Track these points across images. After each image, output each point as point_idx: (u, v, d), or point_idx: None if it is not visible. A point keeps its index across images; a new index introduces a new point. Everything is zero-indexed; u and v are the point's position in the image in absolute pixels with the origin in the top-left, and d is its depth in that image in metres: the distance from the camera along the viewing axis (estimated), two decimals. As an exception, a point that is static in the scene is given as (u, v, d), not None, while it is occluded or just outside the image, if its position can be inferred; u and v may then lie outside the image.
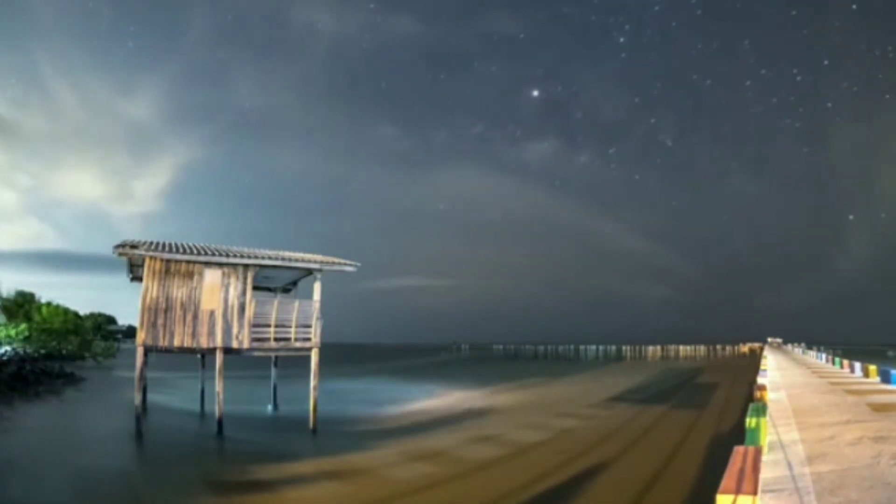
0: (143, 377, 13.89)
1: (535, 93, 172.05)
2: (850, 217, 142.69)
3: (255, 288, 15.67)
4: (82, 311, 39.33)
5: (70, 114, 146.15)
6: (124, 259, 15.16)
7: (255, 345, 14.87)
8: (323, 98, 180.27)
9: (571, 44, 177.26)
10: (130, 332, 44.22)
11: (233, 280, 14.79)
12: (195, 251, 14.75)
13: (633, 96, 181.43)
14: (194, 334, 14.21)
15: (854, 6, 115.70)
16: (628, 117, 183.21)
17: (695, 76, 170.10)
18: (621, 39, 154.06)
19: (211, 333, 14.37)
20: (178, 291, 14.20)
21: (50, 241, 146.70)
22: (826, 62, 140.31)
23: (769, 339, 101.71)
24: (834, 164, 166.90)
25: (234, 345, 14.59)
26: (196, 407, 19.05)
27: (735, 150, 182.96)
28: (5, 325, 26.49)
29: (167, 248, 14.58)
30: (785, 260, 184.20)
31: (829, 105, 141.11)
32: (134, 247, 14.07)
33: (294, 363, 18.86)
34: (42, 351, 24.46)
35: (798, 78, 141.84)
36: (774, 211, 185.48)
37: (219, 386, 14.24)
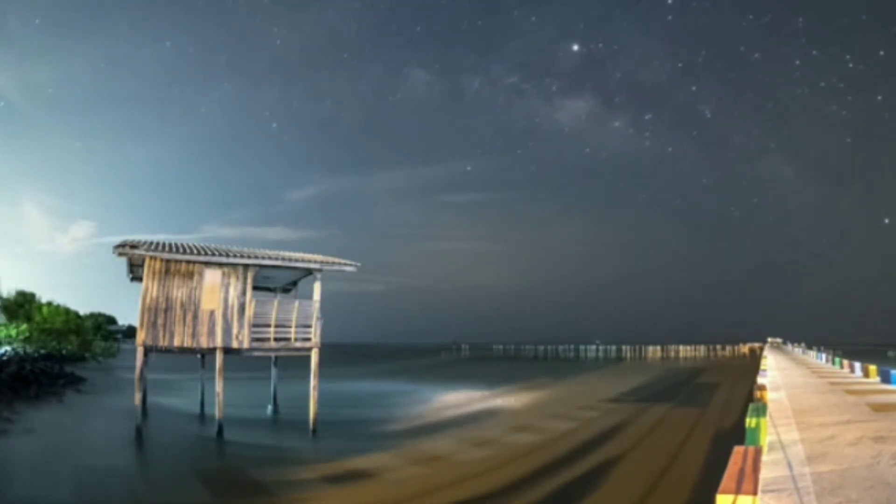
0: (143, 377, 13.90)
1: (575, 47, 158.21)
2: (886, 221, 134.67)
3: (255, 288, 15.67)
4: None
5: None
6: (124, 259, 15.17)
7: (255, 345, 14.87)
8: (353, 40, 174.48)
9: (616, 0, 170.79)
10: (130, 332, 44.19)
11: (233, 280, 14.79)
12: (195, 251, 14.75)
13: (675, 61, 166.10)
14: (194, 334, 14.21)
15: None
16: (669, 82, 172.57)
17: (742, 48, 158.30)
18: (669, 1, 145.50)
19: (211, 333, 14.37)
20: (178, 291, 14.20)
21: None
22: (882, 52, 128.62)
23: (769, 339, 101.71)
24: (876, 160, 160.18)
25: (234, 345, 14.59)
26: (196, 408, 19.05)
27: (775, 130, 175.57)
28: (6, 325, 26.48)
29: (167, 248, 14.58)
30: (799, 255, 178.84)
31: (880, 98, 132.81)
32: (134, 247, 14.08)
33: (294, 363, 18.86)
34: (42, 351, 24.44)
35: (850, 65, 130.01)
36: (806, 200, 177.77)
37: (219, 386, 14.24)
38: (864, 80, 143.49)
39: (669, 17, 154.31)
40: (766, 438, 6.60)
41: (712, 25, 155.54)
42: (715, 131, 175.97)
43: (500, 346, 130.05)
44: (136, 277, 18.09)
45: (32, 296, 31.52)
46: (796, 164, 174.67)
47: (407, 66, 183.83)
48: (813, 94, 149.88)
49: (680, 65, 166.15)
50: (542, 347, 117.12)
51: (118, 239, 14.45)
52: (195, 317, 14.29)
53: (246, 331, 14.70)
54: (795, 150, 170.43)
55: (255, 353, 15.28)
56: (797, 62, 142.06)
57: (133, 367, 13.90)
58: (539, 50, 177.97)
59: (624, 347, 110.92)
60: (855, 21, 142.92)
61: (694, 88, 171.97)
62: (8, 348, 22.54)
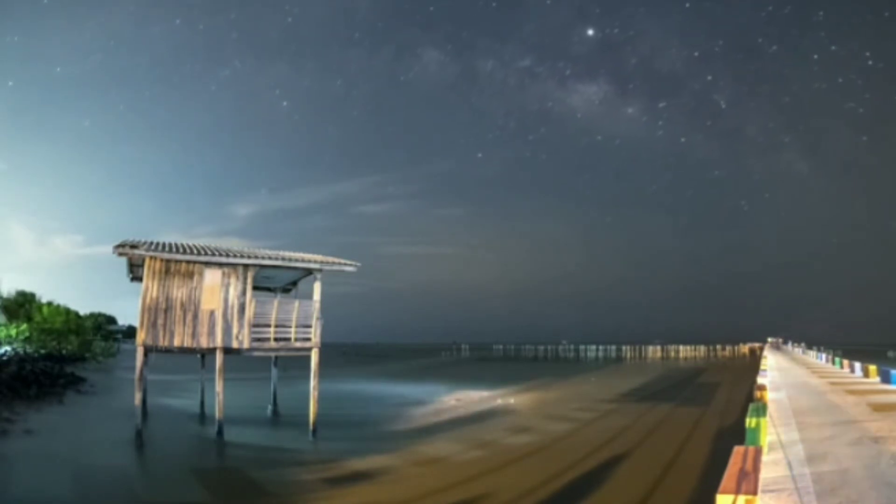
0: (143, 377, 13.89)
1: (590, 32, 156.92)
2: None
3: (255, 288, 15.67)
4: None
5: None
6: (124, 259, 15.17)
7: (255, 345, 14.87)
8: (365, 19, 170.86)
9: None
10: (130, 332, 44.13)
11: (233, 280, 14.79)
12: (195, 251, 14.75)
13: (692, 49, 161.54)
14: (194, 334, 14.21)
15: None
16: (684, 71, 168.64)
17: (760, 39, 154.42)
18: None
19: (211, 333, 14.37)
20: (178, 291, 14.20)
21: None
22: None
23: (769, 339, 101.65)
24: (892, 160, 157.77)
25: (234, 345, 14.59)
26: (196, 409, 19.05)
27: (790, 124, 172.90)
28: (6, 325, 26.46)
29: (167, 248, 14.58)
30: (805, 254, 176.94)
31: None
32: (134, 247, 14.07)
33: (294, 363, 18.85)
34: (42, 351, 24.42)
35: (870, 62, 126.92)
36: (818, 198, 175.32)
37: (219, 386, 14.24)
38: (883, 78, 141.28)
39: (687, 5, 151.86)
40: (766, 438, 6.60)
41: (730, 15, 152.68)
42: (729, 123, 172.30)
43: (500, 347, 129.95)
44: (136, 277, 18.09)
45: (32, 296, 31.47)
46: (811, 159, 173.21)
47: (420, 46, 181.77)
48: (830, 90, 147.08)
49: (696, 53, 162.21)
50: (541, 348, 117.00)
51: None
52: (195, 317, 14.29)
53: (246, 331, 14.70)
54: (810, 146, 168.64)
55: (255, 354, 15.27)
56: (816, 56, 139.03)
57: (133, 368, 13.89)
58: (554, 33, 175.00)
59: (624, 347, 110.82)
60: (877, 17, 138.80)
61: (709, 78, 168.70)
62: (8, 348, 22.54)
